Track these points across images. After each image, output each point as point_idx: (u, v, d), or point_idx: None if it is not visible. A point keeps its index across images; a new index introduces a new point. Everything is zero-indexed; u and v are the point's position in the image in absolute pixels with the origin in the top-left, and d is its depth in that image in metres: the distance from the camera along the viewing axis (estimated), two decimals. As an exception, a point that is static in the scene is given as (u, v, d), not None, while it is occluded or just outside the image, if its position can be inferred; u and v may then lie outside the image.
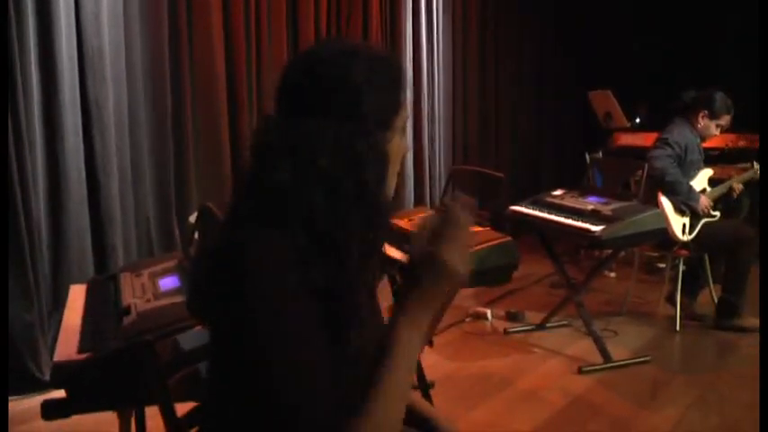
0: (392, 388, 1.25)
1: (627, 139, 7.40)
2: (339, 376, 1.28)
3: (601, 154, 6.87)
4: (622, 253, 6.45)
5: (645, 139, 6.29)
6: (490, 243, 3.21)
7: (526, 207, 4.87)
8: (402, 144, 1.45)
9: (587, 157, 6.34)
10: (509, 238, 3.26)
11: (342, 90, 1.33)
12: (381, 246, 1.50)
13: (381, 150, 1.36)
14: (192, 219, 3.22)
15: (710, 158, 6.20)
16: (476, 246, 3.20)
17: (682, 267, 5.29)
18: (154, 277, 2.67)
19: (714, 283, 5.40)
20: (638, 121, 7.78)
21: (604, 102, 6.96)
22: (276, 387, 1.21)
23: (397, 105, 1.41)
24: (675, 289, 5.26)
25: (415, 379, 2.88)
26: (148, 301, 2.37)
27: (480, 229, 3.47)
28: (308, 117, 1.32)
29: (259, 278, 1.23)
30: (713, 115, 5.16)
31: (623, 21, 9.06)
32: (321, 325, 1.27)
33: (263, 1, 5.41)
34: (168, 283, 2.56)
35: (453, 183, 4.28)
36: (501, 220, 6.44)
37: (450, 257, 1.28)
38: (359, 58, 1.36)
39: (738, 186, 5.32)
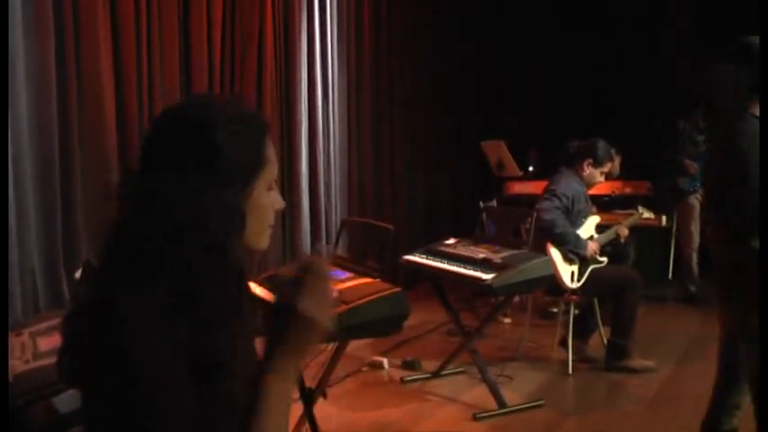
0: None
1: (519, 188, 7.62)
2: (212, 427, 1.31)
3: (495, 202, 7.05)
4: (517, 299, 6.63)
5: (537, 187, 6.48)
6: (379, 294, 3.26)
7: (419, 256, 4.96)
8: (271, 200, 1.49)
9: (481, 205, 6.50)
10: (398, 290, 3.32)
11: (201, 146, 1.36)
12: (244, 296, 1.52)
13: (235, 206, 1.39)
14: (79, 274, 3.17)
15: (598, 205, 6.46)
16: (365, 297, 3.25)
17: (574, 312, 5.46)
18: (35, 336, 2.62)
19: (604, 326, 5.57)
20: (531, 169, 8.03)
21: (496, 151, 7.17)
22: None
23: (259, 163, 1.44)
24: (568, 333, 5.41)
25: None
26: (27, 362, 2.33)
27: (369, 280, 3.52)
28: (166, 171, 1.35)
29: (127, 339, 1.25)
30: (597, 163, 5.40)
31: (518, 71, 9.38)
32: (191, 379, 1.30)
33: (154, 49, 5.37)
34: (50, 342, 2.52)
35: (346, 234, 4.33)
36: (390, 272, 6.50)
37: (313, 312, 1.34)
38: (222, 115, 1.40)
39: (624, 231, 5.56)
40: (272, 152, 1.48)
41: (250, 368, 1.52)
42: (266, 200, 1.47)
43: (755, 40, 2.86)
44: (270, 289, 3.47)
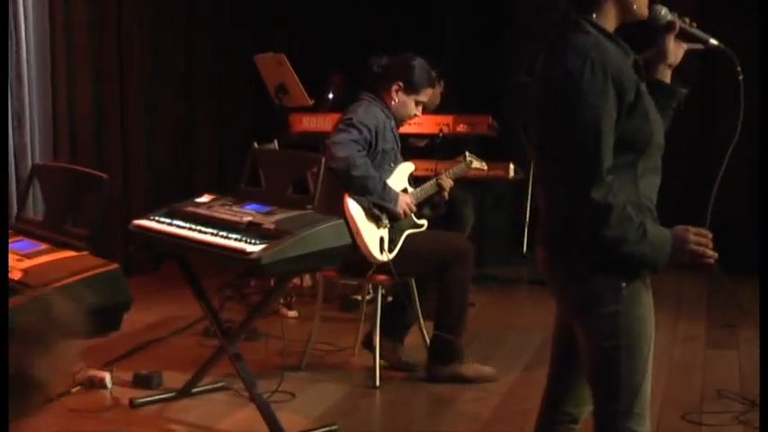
0: None
1: (310, 123, 7.58)
2: None
3: (276, 143, 7.03)
4: (307, 282, 6.71)
5: (334, 123, 6.56)
6: (83, 275, 3.22)
7: (156, 221, 4.88)
8: None
9: (255, 146, 6.46)
10: (114, 267, 3.28)
11: None
12: None
13: None
14: None
15: (416, 151, 6.58)
16: (63, 279, 3.20)
17: (385, 299, 5.59)
18: None
19: (426, 318, 5.72)
20: (330, 96, 8.08)
21: (277, 71, 7.08)
22: None
23: None
24: (375, 329, 5.50)
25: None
26: None
27: (73, 254, 3.48)
28: None
29: None
30: (411, 88, 5.49)
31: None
32: None
33: None
34: None
35: (39, 187, 4.22)
36: (122, 245, 6.41)
37: (41, 373, 1.35)
38: None
39: (448, 182, 5.70)
40: None
41: None
42: None
43: None
44: None
